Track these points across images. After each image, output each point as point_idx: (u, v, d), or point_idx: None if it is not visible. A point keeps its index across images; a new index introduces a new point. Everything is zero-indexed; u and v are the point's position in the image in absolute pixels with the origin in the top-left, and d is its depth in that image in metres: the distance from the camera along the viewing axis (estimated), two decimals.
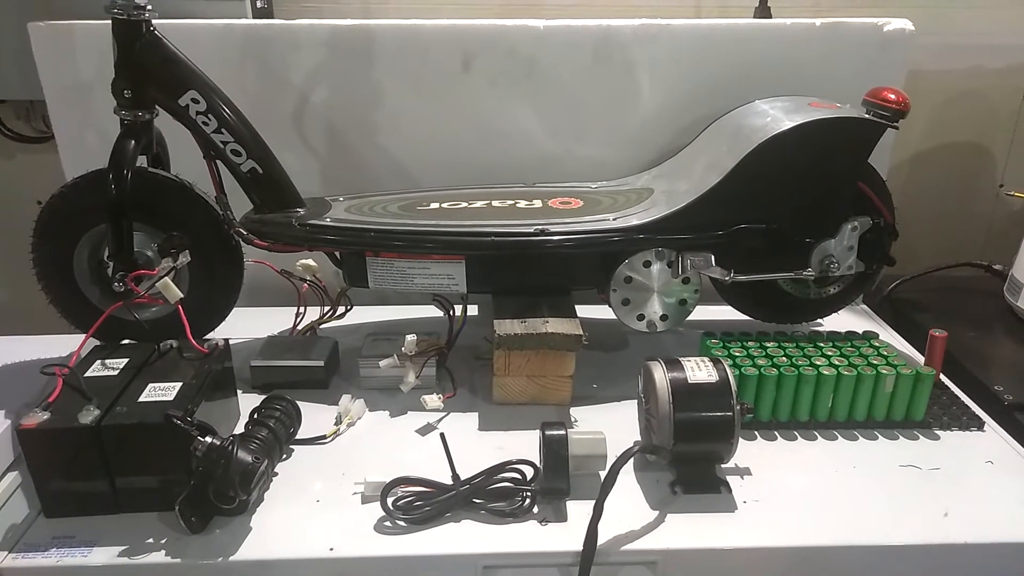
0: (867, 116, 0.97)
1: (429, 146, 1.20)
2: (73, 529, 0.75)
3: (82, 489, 0.76)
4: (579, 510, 0.77)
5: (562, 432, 0.78)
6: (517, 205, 1.05)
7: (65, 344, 0.93)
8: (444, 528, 0.76)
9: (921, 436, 0.91)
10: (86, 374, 0.82)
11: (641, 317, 1.01)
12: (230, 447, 0.72)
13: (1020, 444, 0.90)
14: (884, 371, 0.90)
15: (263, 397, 0.88)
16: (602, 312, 1.04)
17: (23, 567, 0.71)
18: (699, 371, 0.81)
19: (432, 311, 1.05)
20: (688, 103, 1.18)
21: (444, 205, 1.05)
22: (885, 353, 0.95)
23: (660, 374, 0.80)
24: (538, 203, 1.06)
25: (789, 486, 0.82)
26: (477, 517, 0.77)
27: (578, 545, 0.72)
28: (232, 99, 0.96)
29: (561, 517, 0.77)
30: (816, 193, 0.99)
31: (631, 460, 0.78)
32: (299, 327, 1.09)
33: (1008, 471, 0.85)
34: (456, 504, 0.77)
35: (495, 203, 1.06)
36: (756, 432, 0.91)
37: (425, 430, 0.92)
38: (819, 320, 1.16)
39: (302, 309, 1.09)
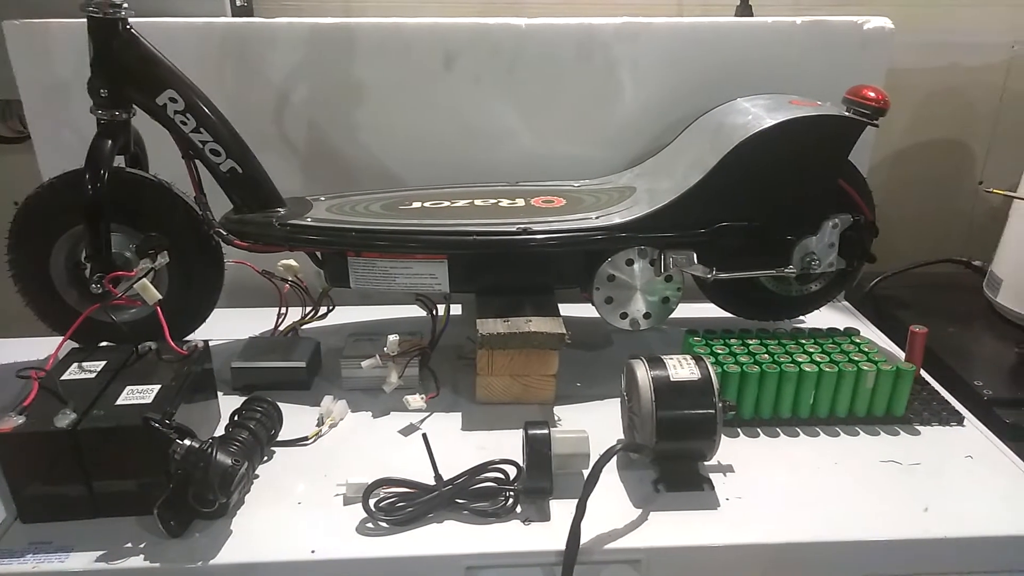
0: (847, 114, 0.97)
1: (411, 145, 1.20)
2: (50, 534, 0.74)
3: (59, 493, 0.74)
4: (562, 509, 0.77)
5: (545, 431, 0.78)
6: (499, 204, 1.05)
7: (42, 347, 0.92)
8: (427, 529, 0.76)
9: (902, 431, 0.92)
10: (63, 377, 0.81)
11: (624, 315, 1.01)
12: (209, 450, 0.71)
13: (999, 439, 0.91)
14: (865, 367, 0.91)
15: (244, 399, 0.87)
16: (585, 311, 1.04)
17: None
18: (681, 369, 0.81)
19: (415, 311, 1.05)
20: (670, 101, 1.18)
21: (426, 204, 1.04)
22: (866, 349, 0.95)
23: (642, 372, 0.80)
24: (521, 202, 1.05)
25: (771, 483, 0.82)
26: (460, 517, 0.77)
27: (561, 544, 0.71)
28: (211, 98, 0.95)
29: (544, 516, 0.77)
30: (797, 190, 1.00)
31: (614, 458, 0.78)
32: (280, 328, 1.08)
33: (987, 466, 0.86)
34: (439, 505, 0.77)
35: (477, 202, 1.05)
36: (739, 429, 0.92)
37: (408, 431, 0.92)
38: (801, 317, 1.16)
39: (283, 310, 1.08)
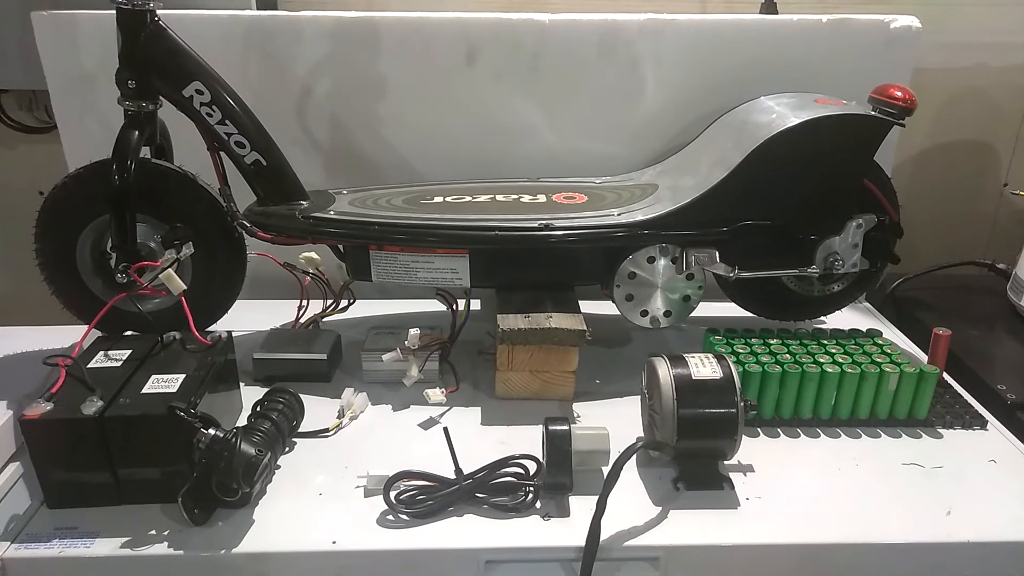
0: (873, 113, 0.96)
1: (433, 140, 1.20)
2: (76, 520, 0.75)
3: (85, 480, 0.75)
4: (582, 505, 0.77)
5: (565, 427, 0.78)
6: (521, 200, 1.05)
7: (68, 335, 0.93)
8: (447, 522, 0.76)
9: (924, 434, 0.91)
10: (89, 365, 0.82)
11: (644, 313, 1.01)
12: (233, 439, 0.72)
13: (1023, 443, 0.90)
14: (888, 369, 0.90)
15: (266, 390, 0.88)
16: (605, 308, 1.04)
17: (26, 558, 0.71)
18: (703, 367, 0.80)
19: (435, 305, 1.05)
20: (693, 99, 1.17)
21: (448, 199, 1.04)
22: (889, 351, 0.95)
23: (664, 370, 0.80)
24: (542, 198, 1.05)
25: (792, 483, 0.82)
26: (480, 511, 0.77)
27: (581, 541, 0.72)
28: (236, 91, 0.96)
29: (564, 512, 0.77)
30: (821, 190, 0.99)
31: (634, 456, 0.78)
32: (302, 320, 1.09)
33: (1011, 470, 0.85)
34: (459, 498, 0.77)
35: (499, 197, 1.05)
36: (759, 429, 0.91)
37: (428, 424, 0.92)
38: (822, 317, 1.16)
39: (305, 302, 1.09)
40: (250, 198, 1.00)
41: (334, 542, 0.73)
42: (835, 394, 0.91)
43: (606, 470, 0.76)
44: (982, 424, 0.93)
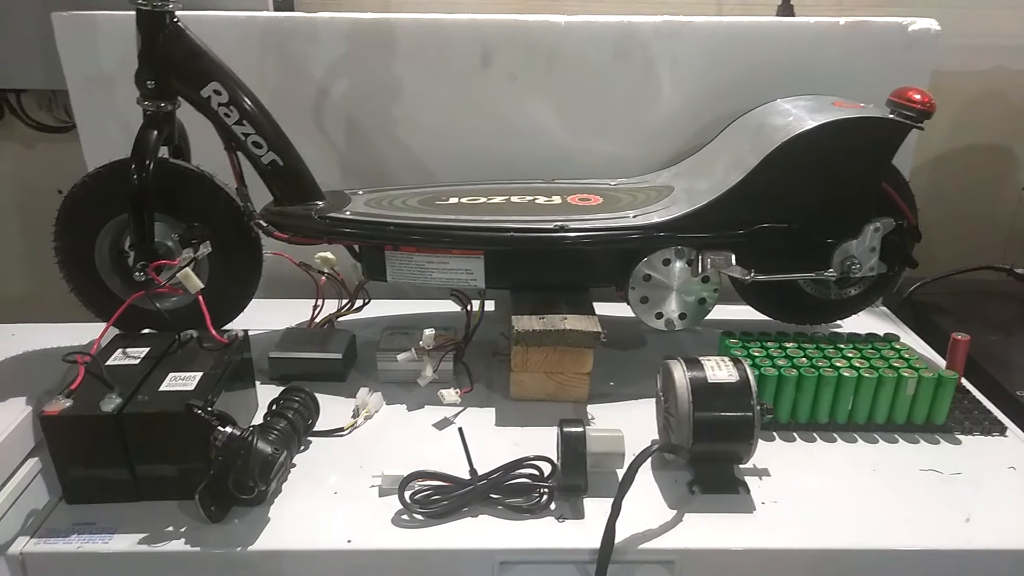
0: (892, 116, 0.96)
1: (448, 141, 1.20)
2: (94, 516, 0.75)
3: (103, 476, 0.76)
4: (596, 508, 0.77)
5: (580, 429, 0.78)
6: (536, 201, 1.05)
7: (86, 333, 0.93)
8: (461, 523, 0.76)
9: (942, 440, 0.90)
10: (107, 363, 0.83)
11: (659, 315, 1.01)
12: (250, 437, 0.72)
13: None
14: (906, 374, 0.89)
15: (281, 388, 0.88)
16: (620, 310, 1.04)
17: (44, 552, 0.72)
18: (719, 370, 0.80)
19: (449, 305, 1.05)
20: (709, 101, 1.17)
21: (463, 200, 1.05)
22: (906, 356, 0.94)
23: (680, 373, 0.80)
24: (557, 199, 1.05)
25: (808, 488, 0.82)
26: (494, 512, 0.77)
27: (595, 543, 0.71)
28: (253, 91, 0.96)
29: (578, 514, 0.77)
30: (839, 193, 0.98)
31: (649, 459, 0.78)
32: (317, 319, 1.09)
33: None
34: (473, 499, 0.77)
35: (514, 199, 1.05)
36: (775, 433, 0.91)
37: (442, 424, 0.92)
38: (839, 321, 1.15)
39: (320, 302, 1.09)
40: (267, 198, 1.00)
41: (349, 541, 0.73)
42: (852, 399, 0.90)
43: (621, 472, 0.76)
44: (1001, 430, 0.92)
